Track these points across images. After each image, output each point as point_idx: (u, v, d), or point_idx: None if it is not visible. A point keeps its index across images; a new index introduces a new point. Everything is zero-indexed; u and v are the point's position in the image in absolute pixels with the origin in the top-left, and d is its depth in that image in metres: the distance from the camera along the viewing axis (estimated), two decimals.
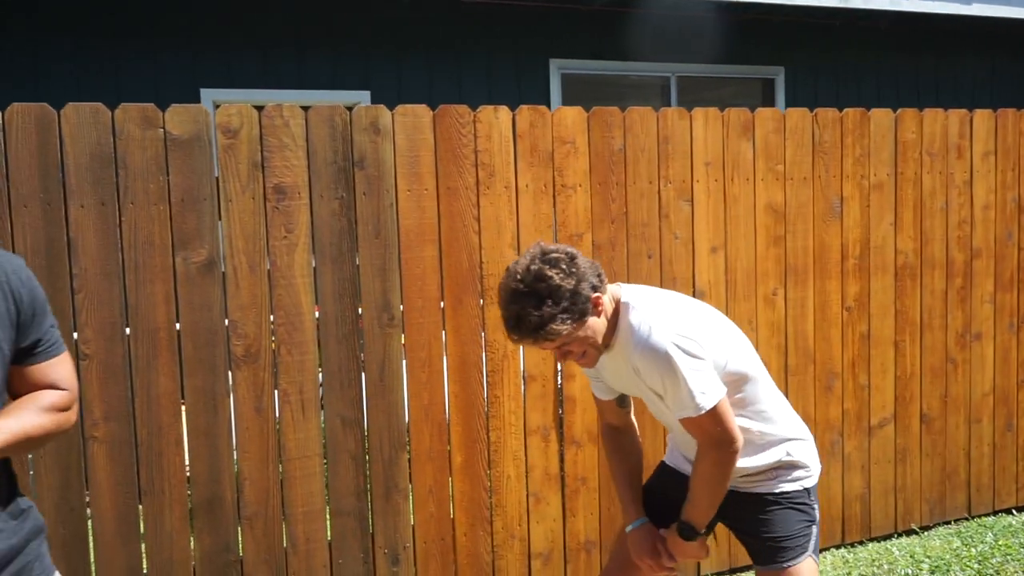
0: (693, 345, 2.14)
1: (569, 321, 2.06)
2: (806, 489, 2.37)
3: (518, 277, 2.06)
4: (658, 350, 2.11)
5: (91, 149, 2.86)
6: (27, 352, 1.76)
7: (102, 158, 2.87)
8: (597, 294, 2.13)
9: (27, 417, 1.71)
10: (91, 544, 2.97)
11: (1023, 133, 4.35)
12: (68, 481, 2.90)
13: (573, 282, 2.06)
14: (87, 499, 2.95)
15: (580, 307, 2.08)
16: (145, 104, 2.93)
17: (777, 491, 2.36)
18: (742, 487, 2.39)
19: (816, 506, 2.40)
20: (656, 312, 2.18)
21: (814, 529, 2.36)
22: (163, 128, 2.94)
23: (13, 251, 2.76)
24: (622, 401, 2.48)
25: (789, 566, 2.32)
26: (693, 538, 2.31)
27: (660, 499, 2.51)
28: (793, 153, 3.86)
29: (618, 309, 2.21)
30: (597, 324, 2.15)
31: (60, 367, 1.82)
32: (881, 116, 4.04)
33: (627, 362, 2.21)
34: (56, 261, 2.85)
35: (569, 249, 2.12)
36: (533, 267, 2.06)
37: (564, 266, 2.07)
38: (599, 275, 2.16)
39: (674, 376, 2.11)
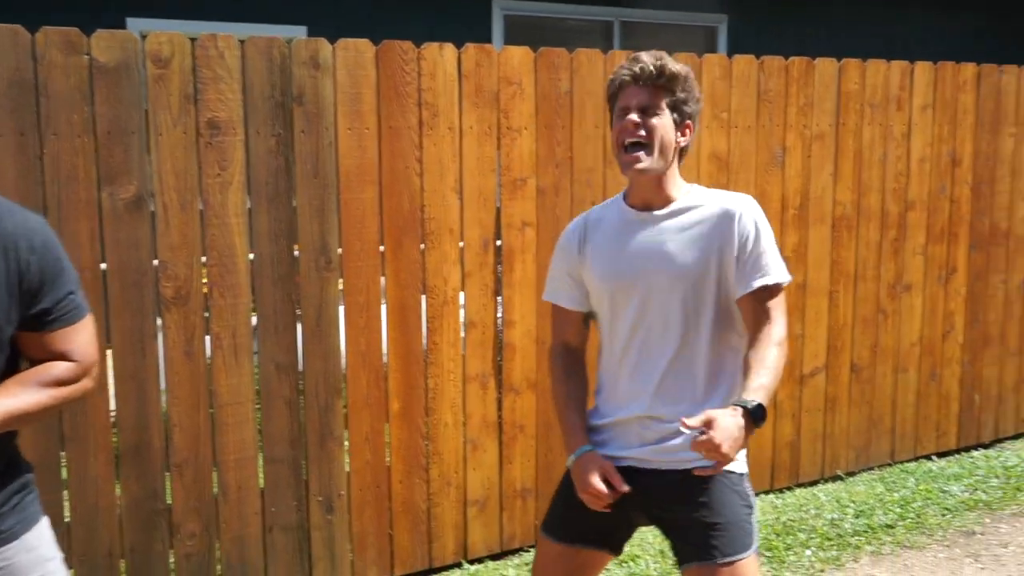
0: None
1: (683, 93, 2.09)
2: (741, 474, 2.11)
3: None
4: (755, 209, 2.12)
5: (9, 74, 2.67)
6: (36, 319, 1.70)
7: (21, 84, 2.69)
8: (692, 122, 2.16)
9: (24, 395, 1.67)
10: None
11: (960, 87, 4.40)
12: None
13: (697, 91, 2.15)
14: None
15: (689, 104, 2.12)
16: (68, 28, 2.74)
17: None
18: (669, 458, 2.09)
19: (753, 495, 2.12)
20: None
21: (755, 519, 2.10)
22: (88, 54, 2.76)
23: None
24: (587, 320, 2.30)
25: (735, 560, 2.00)
26: (763, 421, 1.94)
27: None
28: (739, 101, 3.84)
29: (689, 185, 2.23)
30: (671, 141, 2.11)
31: (75, 336, 1.74)
32: (826, 65, 4.03)
33: (716, 210, 2.10)
34: None
35: None
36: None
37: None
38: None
39: (764, 236, 2.09)
